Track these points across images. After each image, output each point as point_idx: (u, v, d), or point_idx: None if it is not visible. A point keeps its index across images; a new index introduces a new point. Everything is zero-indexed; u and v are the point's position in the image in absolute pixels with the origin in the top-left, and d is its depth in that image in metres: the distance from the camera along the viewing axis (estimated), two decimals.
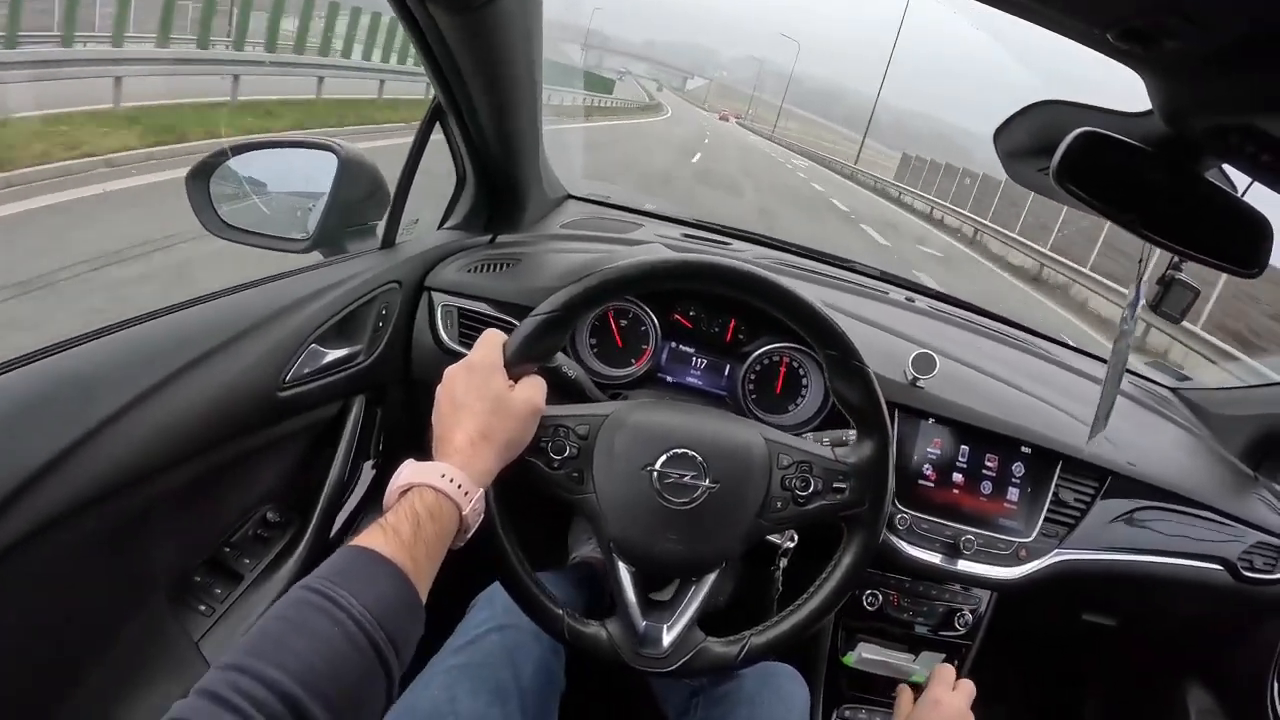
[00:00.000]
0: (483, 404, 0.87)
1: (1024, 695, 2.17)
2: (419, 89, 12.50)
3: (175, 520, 1.02)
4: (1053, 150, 0.96)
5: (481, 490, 0.83)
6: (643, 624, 0.96)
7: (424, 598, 0.73)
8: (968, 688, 1.16)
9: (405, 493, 0.79)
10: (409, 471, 0.80)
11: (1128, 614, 1.69)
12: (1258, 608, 1.60)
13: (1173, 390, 1.97)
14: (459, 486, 0.79)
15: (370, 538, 0.72)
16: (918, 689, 1.23)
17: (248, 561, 1.18)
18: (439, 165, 1.56)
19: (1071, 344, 2.04)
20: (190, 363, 0.96)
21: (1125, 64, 0.80)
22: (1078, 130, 0.93)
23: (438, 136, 1.45)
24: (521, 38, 1.28)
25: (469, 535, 0.83)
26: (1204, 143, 0.89)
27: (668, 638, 0.96)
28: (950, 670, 1.18)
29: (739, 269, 0.98)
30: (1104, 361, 1.92)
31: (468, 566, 0.92)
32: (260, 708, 0.55)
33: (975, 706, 1.20)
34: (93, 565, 0.90)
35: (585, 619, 0.98)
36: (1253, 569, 1.53)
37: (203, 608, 1.10)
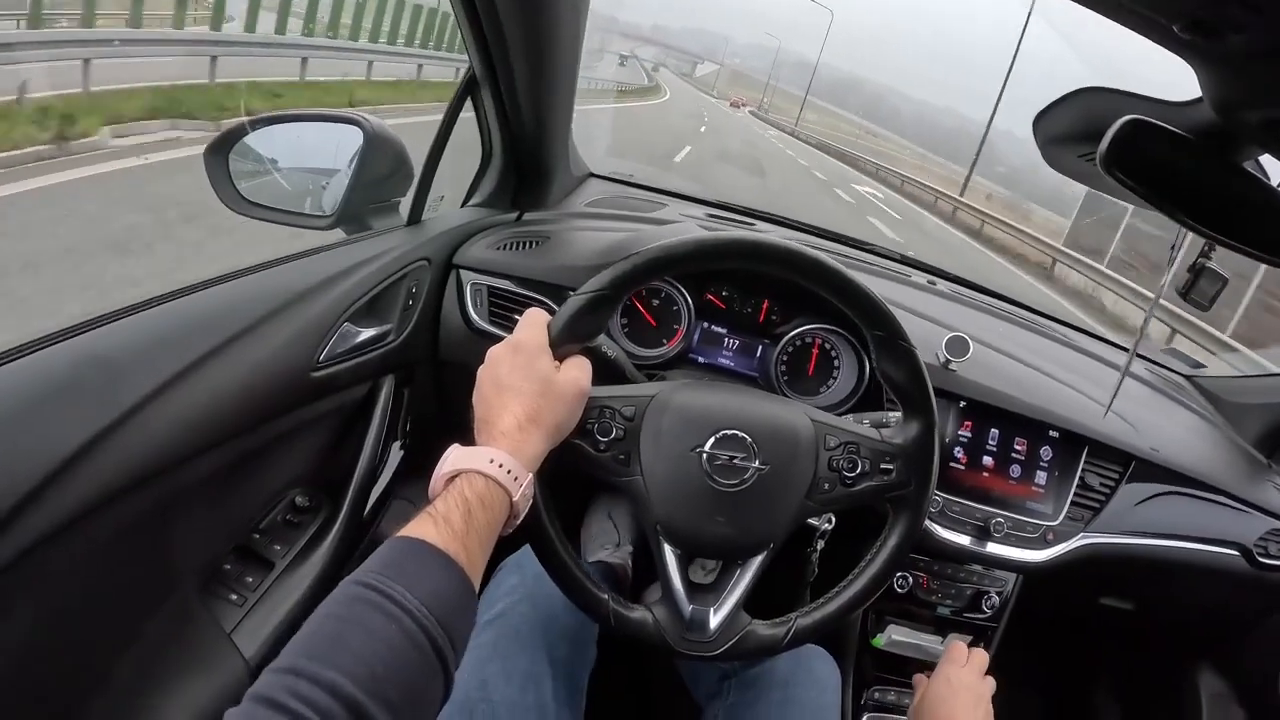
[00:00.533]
0: (530, 385, 0.84)
1: (1038, 677, 2.19)
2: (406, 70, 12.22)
3: (204, 507, 0.99)
4: (1093, 137, 0.96)
5: (531, 475, 0.81)
6: (689, 608, 0.95)
7: (477, 589, 0.71)
8: (980, 659, 1.16)
9: (452, 479, 0.76)
10: (455, 457, 0.78)
11: (1144, 598, 1.70)
12: (1271, 594, 1.62)
13: (1188, 378, 1.98)
14: (509, 472, 0.77)
15: (420, 528, 0.69)
16: None
17: (278, 548, 1.15)
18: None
19: (1089, 330, 2.05)
20: (222, 344, 0.93)
21: (1182, 55, 0.79)
22: (1126, 118, 0.93)
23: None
24: (569, 7, 1.26)
25: (519, 521, 0.81)
26: (1252, 134, 0.88)
27: (714, 621, 0.95)
28: (961, 647, 1.18)
29: (787, 247, 0.96)
30: (1114, 345, 1.95)
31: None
32: (321, 713, 0.53)
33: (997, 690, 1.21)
34: (121, 556, 0.87)
35: (630, 604, 0.97)
36: (1268, 555, 1.54)
37: (234, 597, 1.07)
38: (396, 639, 0.60)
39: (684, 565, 0.97)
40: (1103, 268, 12.50)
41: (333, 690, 0.54)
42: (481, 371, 0.87)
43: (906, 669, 1.46)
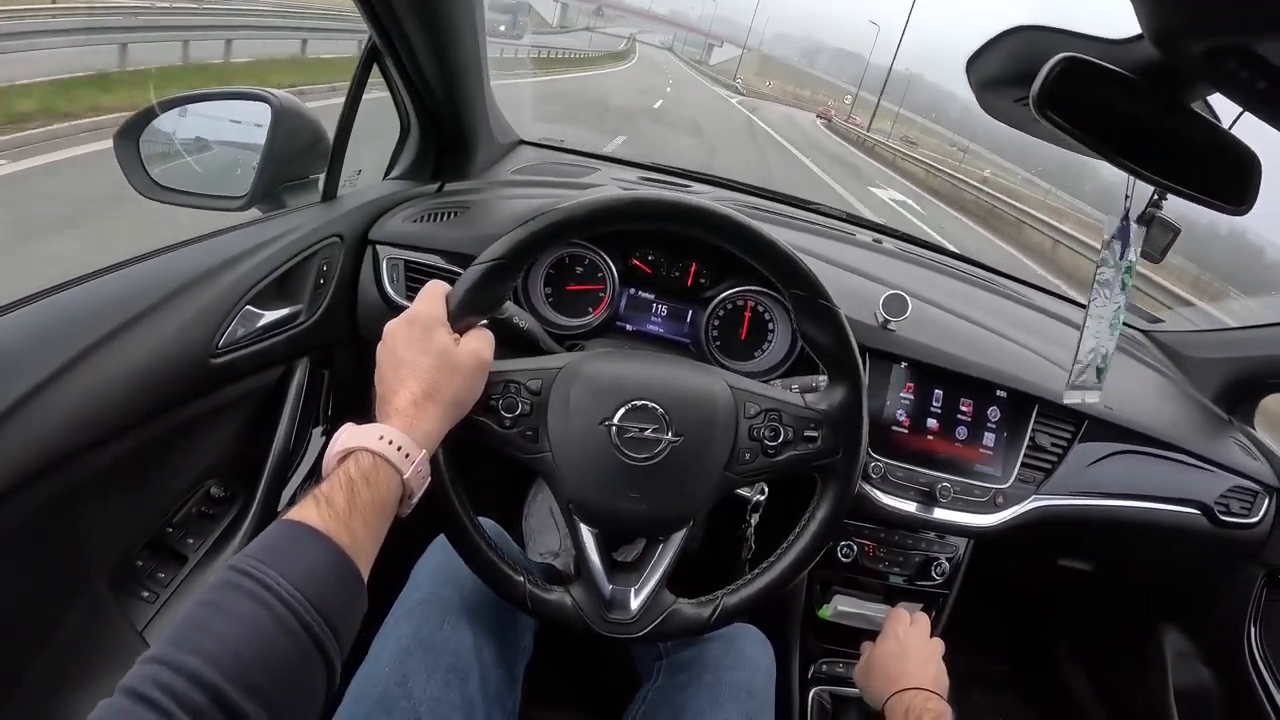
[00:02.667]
0: (426, 360, 0.81)
1: (1000, 641, 2.19)
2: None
3: (111, 502, 0.96)
4: (1029, 80, 0.91)
5: (425, 452, 0.77)
6: (609, 588, 0.91)
7: (366, 571, 0.68)
8: (924, 620, 1.16)
9: (344, 459, 0.73)
10: (346, 435, 0.75)
11: (1104, 559, 1.69)
12: (1234, 552, 1.61)
13: (1145, 333, 1.96)
14: (398, 449, 0.74)
15: (302, 510, 0.66)
16: None
17: (191, 541, 1.11)
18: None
19: (1040, 285, 2.02)
20: (112, 331, 0.89)
21: None
22: (1059, 56, 0.89)
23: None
24: None
25: (414, 501, 0.78)
26: (1196, 69, 0.84)
27: (635, 601, 0.91)
28: (903, 611, 1.17)
29: (693, 204, 0.91)
30: (1074, 303, 1.92)
31: (414, 519, 0.86)
32: (181, 703, 0.51)
33: (952, 654, 1.19)
34: (23, 557, 0.84)
35: (549, 585, 0.93)
36: (1229, 513, 1.53)
37: (146, 594, 1.04)
38: (266, 624, 0.58)
39: (603, 544, 0.93)
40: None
41: (194, 678, 0.52)
42: (380, 348, 0.84)
43: (855, 640, 1.43)
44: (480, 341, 0.86)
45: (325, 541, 0.64)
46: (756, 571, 0.96)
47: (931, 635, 1.40)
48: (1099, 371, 1.19)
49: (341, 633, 0.63)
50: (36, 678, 0.89)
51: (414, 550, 1.08)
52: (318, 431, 1.34)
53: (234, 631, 0.56)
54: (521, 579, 0.91)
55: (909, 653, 1.11)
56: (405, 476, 0.74)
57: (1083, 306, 1.89)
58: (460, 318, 0.86)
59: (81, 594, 0.96)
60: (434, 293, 0.87)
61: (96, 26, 7.53)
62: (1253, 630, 1.63)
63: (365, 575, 0.68)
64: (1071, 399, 1.14)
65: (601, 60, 42.82)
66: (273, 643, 0.57)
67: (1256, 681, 1.58)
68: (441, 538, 1.09)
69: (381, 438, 0.74)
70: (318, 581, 0.62)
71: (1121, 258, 1.07)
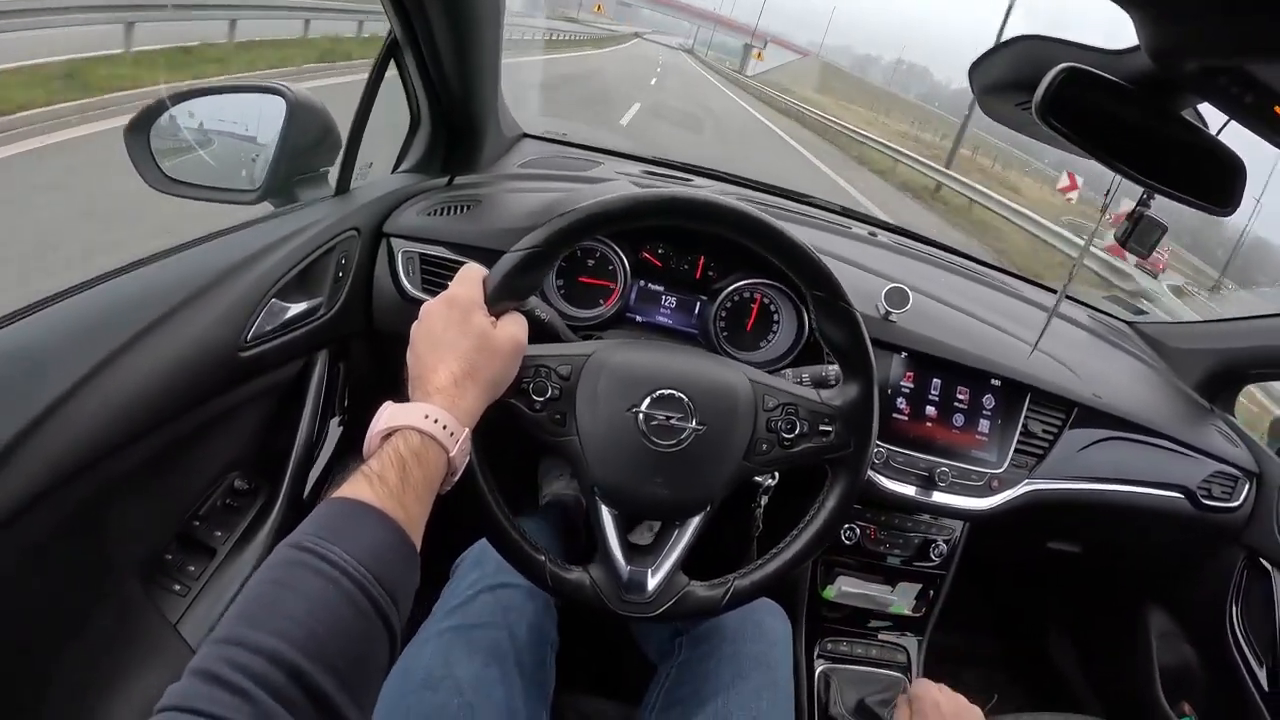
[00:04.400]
0: (466, 340, 0.82)
1: (992, 622, 2.24)
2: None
3: (139, 498, 0.96)
4: (1030, 86, 0.96)
5: (467, 431, 0.79)
6: (626, 569, 0.94)
7: (418, 546, 0.69)
8: (947, 688, 1.10)
9: (387, 437, 0.74)
10: (389, 414, 0.76)
11: (1091, 542, 1.75)
12: (1215, 535, 1.67)
13: (1129, 324, 2.01)
14: (444, 427, 0.75)
15: (355, 487, 0.67)
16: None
17: (219, 534, 1.12)
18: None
19: (1026, 277, 2.07)
20: (144, 329, 0.90)
21: (1121, 5, 0.78)
22: (1062, 65, 0.93)
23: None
24: None
25: (456, 478, 0.80)
26: (1189, 83, 0.88)
27: (652, 582, 0.94)
28: (929, 681, 1.10)
29: (728, 205, 0.94)
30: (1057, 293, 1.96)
31: (449, 520, 0.88)
32: (262, 683, 0.51)
33: (943, 634, 1.22)
34: (58, 555, 0.84)
35: (568, 565, 0.96)
36: (1211, 497, 1.58)
37: (177, 587, 1.05)
38: (335, 600, 0.58)
39: (622, 526, 0.96)
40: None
41: (273, 657, 0.52)
42: (416, 327, 0.85)
43: (858, 619, 1.49)
44: (516, 326, 0.88)
45: (383, 517, 0.65)
46: (767, 556, 0.99)
47: (929, 615, 1.46)
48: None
49: (401, 605, 0.64)
50: (72, 675, 0.89)
51: (450, 541, 1.10)
52: (335, 422, 1.36)
53: (306, 609, 0.56)
54: (543, 559, 0.94)
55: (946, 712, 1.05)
56: (451, 454, 0.76)
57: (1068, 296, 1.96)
58: (497, 300, 0.88)
59: (114, 590, 0.96)
60: (472, 275, 0.88)
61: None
62: (1234, 610, 1.69)
63: (418, 548, 0.69)
64: (1032, 359, 1.17)
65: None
66: (343, 619, 0.58)
67: (1238, 658, 1.65)
68: (471, 552, 1.16)
69: (427, 416, 0.75)
70: (380, 557, 0.62)
71: (1090, 239, 1.12)
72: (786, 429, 0.96)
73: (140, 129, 1.23)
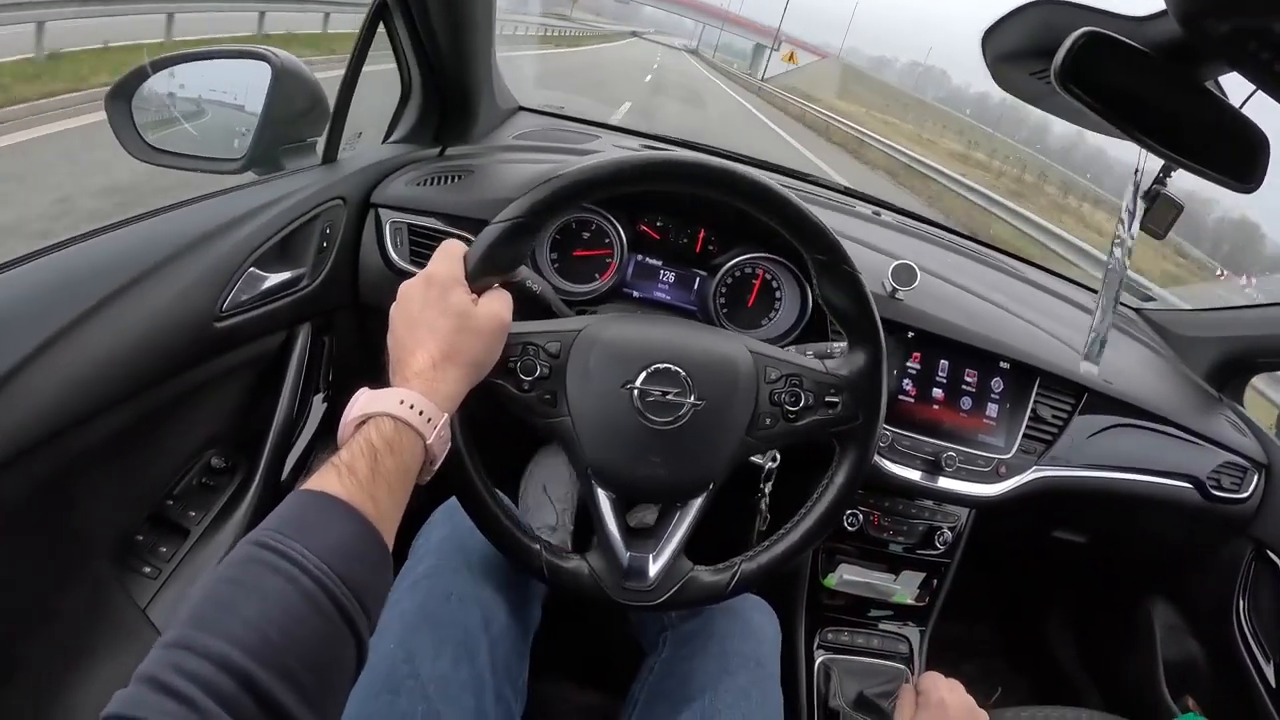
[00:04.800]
0: (445, 320, 0.78)
1: (991, 611, 2.21)
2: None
3: (109, 474, 0.93)
4: (1047, 53, 0.92)
5: (447, 416, 0.75)
6: (626, 555, 0.90)
7: (391, 542, 0.65)
8: (958, 684, 1.03)
9: (361, 425, 0.70)
10: (364, 400, 0.72)
11: (1097, 531, 1.71)
12: (1223, 527, 1.63)
13: (1137, 311, 1.98)
14: (420, 413, 0.71)
15: (323, 480, 0.63)
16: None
17: (193, 514, 1.08)
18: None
19: (1035, 261, 2.04)
20: (113, 293, 0.86)
21: None
22: (1082, 30, 0.89)
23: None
24: None
25: (435, 468, 0.76)
26: (1217, 48, 0.84)
27: (654, 568, 0.90)
28: (938, 675, 1.03)
29: (719, 165, 0.89)
30: (1063, 278, 1.93)
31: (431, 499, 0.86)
32: (210, 690, 0.48)
33: (945, 623, 1.18)
34: (20, 534, 0.81)
35: (565, 553, 0.92)
36: (1220, 488, 1.55)
37: (148, 569, 1.02)
38: (294, 601, 0.54)
39: (620, 510, 0.92)
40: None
41: (223, 663, 0.49)
42: (394, 309, 0.82)
43: (860, 608, 1.45)
44: (499, 303, 0.84)
45: (350, 511, 0.62)
46: (775, 538, 0.95)
47: (933, 604, 1.41)
48: (1101, 344, 1.21)
49: (371, 607, 0.60)
50: (38, 659, 0.87)
51: (412, 521, 1.05)
52: (319, 399, 1.32)
53: (261, 610, 0.53)
54: (538, 547, 0.90)
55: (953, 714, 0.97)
56: (429, 441, 0.72)
57: (1072, 281, 1.93)
58: (479, 276, 0.83)
59: (82, 571, 0.93)
60: (452, 251, 0.84)
61: None
62: (1241, 603, 1.65)
63: (390, 545, 0.65)
64: (1090, 370, 1.14)
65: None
66: (302, 621, 0.54)
67: (1244, 653, 1.61)
68: (444, 508, 1.09)
69: (402, 402, 0.71)
70: (345, 554, 0.59)
71: (1129, 230, 1.08)
72: (791, 402, 0.92)
73: (122, 96, 1.20)
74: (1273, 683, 1.55)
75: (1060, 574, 2.09)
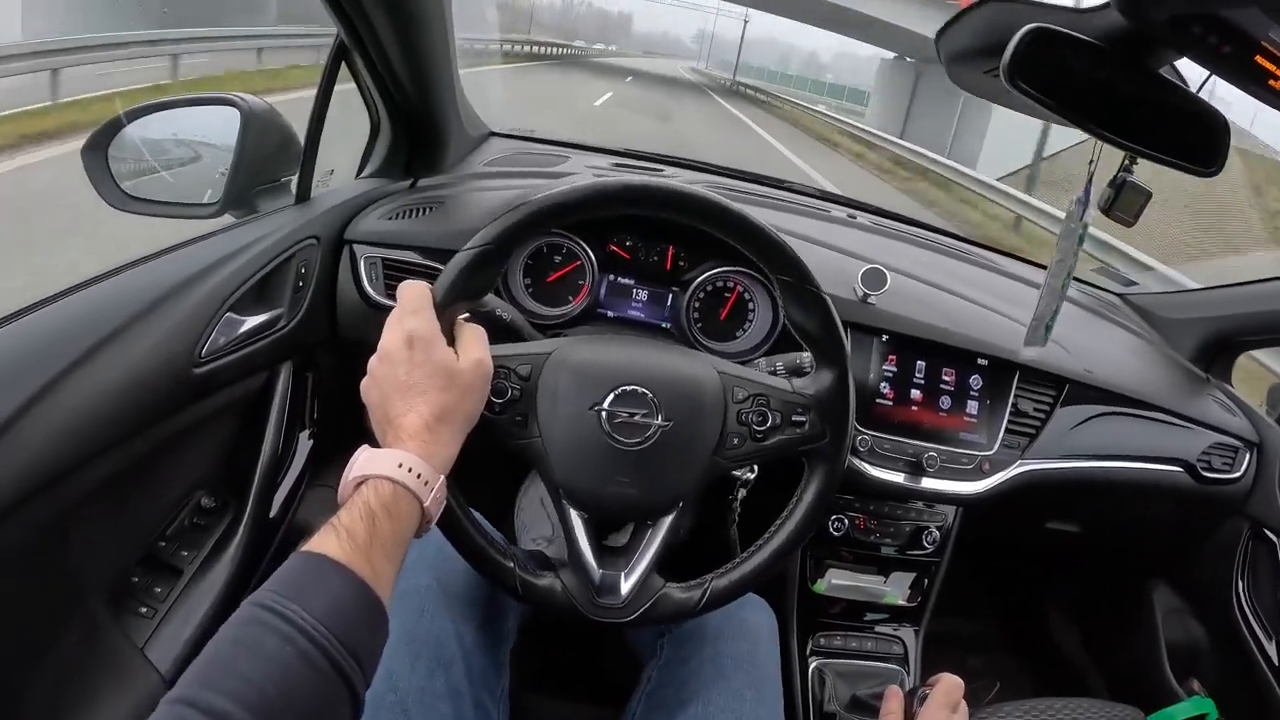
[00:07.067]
0: (433, 381, 0.79)
1: (992, 605, 2.21)
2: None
3: (102, 520, 0.95)
4: (998, 51, 0.92)
5: (443, 479, 0.77)
6: (599, 572, 0.91)
7: (387, 602, 0.67)
8: (965, 710, 0.99)
9: (360, 485, 0.72)
10: (363, 460, 0.73)
11: (1091, 520, 1.71)
12: (1218, 508, 1.63)
13: (1120, 296, 1.98)
14: (418, 476, 0.73)
15: (323, 542, 0.66)
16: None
17: (185, 554, 1.11)
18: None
19: (1017, 255, 2.04)
20: (91, 348, 0.88)
21: None
22: (1028, 26, 0.90)
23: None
24: None
25: (431, 526, 0.78)
26: (1162, 36, 0.85)
27: (625, 585, 0.91)
28: (957, 687, 0.97)
29: (681, 190, 0.91)
30: (1043, 268, 1.93)
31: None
32: None
33: (945, 619, 1.18)
34: (19, 580, 0.83)
35: (539, 570, 0.93)
36: (1211, 469, 1.55)
37: (144, 609, 1.04)
38: (291, 660, 0.57)
39: (593, 529, 0.94)
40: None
41: (223, 718, 0.52)
42: (378, 368, 0.82)
43: (851, 612, 1.46)
44: (480, 349, 0.85)
45: (348, 574, 0.64)
46: (744, 555, 0.96)
47: (925, 603, 1.41)
48: (1046, 329, 1.22)
49: (366, 665, 0.63)
50: (41, 699, 0.88)
51: None
52: (304, 435, 1.34)
53: (260, 670, 0.56)
54: (511, 565, 0.91)
55: None
56: (425, 504, 0.74)
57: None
58: (448, 304, 0.85)
59: (79, 614, 0.95)
60: (420, 303, 0.84)
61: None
62: (1240, 583, 1.65)
63: (387, 604, 0.67)
64: (1029, 354, 1.15)
65: None
66: (299, 679, 0.57)
67: (1246, 633, 1.61)
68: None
69: (400, 465, 0.72)
70: (342, 616, 0.61)
71: (1082, 218, 1.09)
72: (758, 421, 0.93)
73: (98, 147, 1.22)
74: (1275, 661, 1.55)
75: (1058, 564, 2.09)
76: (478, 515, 0.96)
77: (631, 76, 35.93)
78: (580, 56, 47.33)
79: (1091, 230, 1.15)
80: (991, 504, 1.38)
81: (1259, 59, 0.78)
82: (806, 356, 1.09)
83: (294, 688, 0.57)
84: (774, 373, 1.10)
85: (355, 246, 1.36)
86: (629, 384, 0.91)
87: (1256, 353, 2.08)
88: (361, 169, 1.57)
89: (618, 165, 1.88)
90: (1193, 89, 0.96)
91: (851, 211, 1.90)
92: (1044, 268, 1.90)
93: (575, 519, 0.93)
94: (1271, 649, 1.57)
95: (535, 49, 33.62)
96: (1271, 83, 0.80)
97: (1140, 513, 1.68)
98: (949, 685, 0.98)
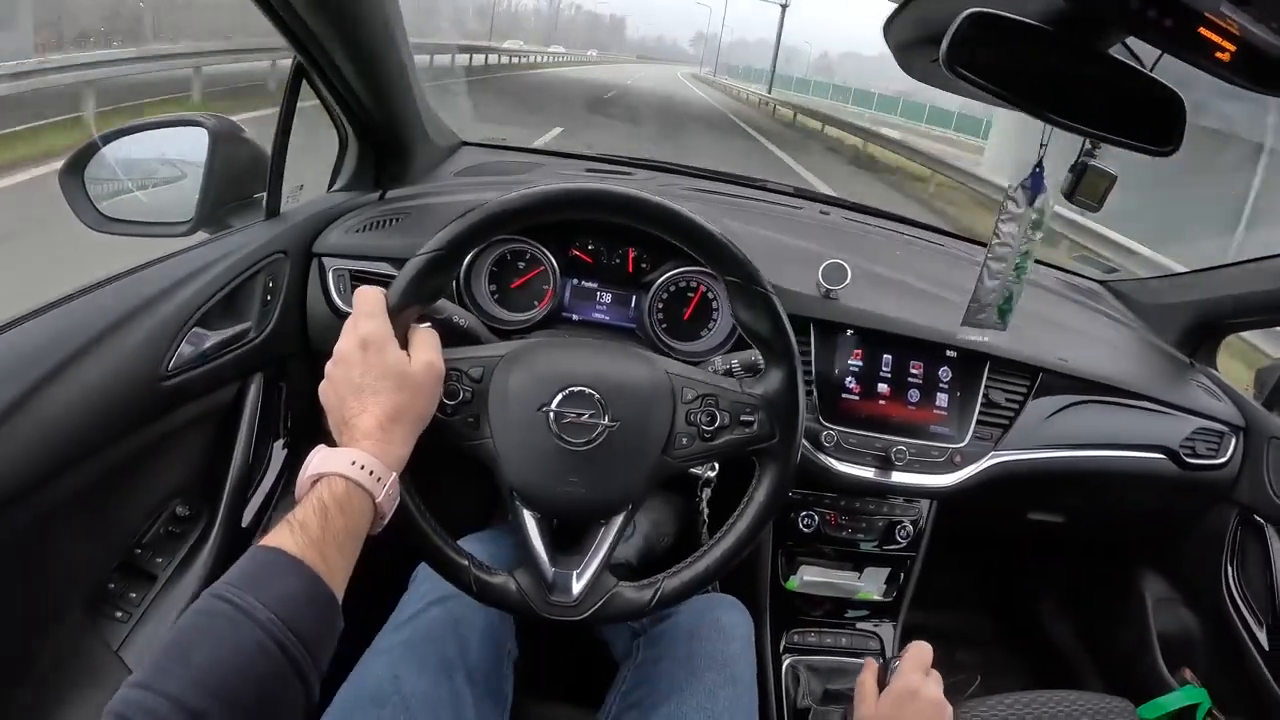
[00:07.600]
0: (385, 382, 0.82)
1: (982, 598, 2.20)
2: None
3: (79, 529, 0.98)
4: (940, 39, 0.92)
5: (395, 475, 0.80)
6: (551, 571, 0.93)
7: (340, 593, 0.71)
8: (938, 676, 1.01)
9: (316, 482, 0.75)
10: (319, 459, 0.77)
11: (1075, 510, 1.70)
12: (1204, 495, 1.63)
13: (1101, 283, 1.97)
14: (371, 473, 0.76)
15: (278, 536, 0.69)
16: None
17: (160, 560, 1.14)
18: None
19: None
20: (62, 361, 0.91)
21: None
22: (966, 12, 0.89)
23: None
24: None
25: (385, 521, 0.80)
26: (1102, 14, 0.85)
27: (577, 585, 0.93)
28: (927, 651, 1.01)
29: (626, 193, 0.93)
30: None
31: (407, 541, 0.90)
32: None
33: (935, 615, 1.17)
34: None
35: (492, 569, 0.94)
36: (1195, 455, 1.54)
37: (120, 614, 1.07)
38: (245, 647, 0.61)
39: (546, 529, 0.95)
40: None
41: (178, 701, 0.56)
42: (333, 369, 0.85)
43: (825, 608, 1.46)
44: (432, 352, 0.87)
45: (300, 567, 0.67)
46: (698, 555, 0.97)
47: (901, 597, 1.41)
48: (1001, 312, 1.23)
49: (317, 651, 0.66)
50: (19, 700, 0.92)
51: (409, 560, 1.10)
52: (278, 445, 1.36)
53: (215, 655, 0.60)
54: (465, 563, 0.92)
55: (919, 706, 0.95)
56: (378, 500, 0.76)
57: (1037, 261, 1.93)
58: (401, 309, 0.87)
59: (57, 620, 0.98)
60: (374, 307, 0.86)
61: None
62: (1229, 570, 1.64)
63: (340, 596, 0.71)
64: (967, 335, 1.15)
65: None
66: (252, 664, 0.61)
67: (1236, 619, 1.60)
68: (423, 566, 1.14)
69: (354, 463, 0.75)
70: (293, 605, 0.65)
71: (1032, 204, 1.08)
72: (706, 422, 0.94)
73: (74, 170, 1.25)
74: (1266, 646, 1.54)
75: (1046, 555, 2.08)
76: (486, 535, 0.97)
77: (613, 92, 25.19)
78: (539, 65, 37.91)
79: (1074, 217, 1.15)
80: (966, 496, 1.37)
81: (1203, 30, 0.77)
82: None
83: (247, 672, 0.60)
84: (728, 371, 1.11)
85: (324, 259, 1.38)
86: (576, 385, 0.92)
87: (1246, 334, 2.06)
88: (332, 183, 1.59)
89: (589, 170, 1.89)
90: (1147, 67, 0.95)
91: (824, 208, 1.90)
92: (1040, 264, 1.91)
93: (528, 519, 0.94)
94: (1262, 635, 1.55)
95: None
96: (1218, 54, 0.80)
97: (1124, 501, 1.68)
98: (920, 650, 1.01)
